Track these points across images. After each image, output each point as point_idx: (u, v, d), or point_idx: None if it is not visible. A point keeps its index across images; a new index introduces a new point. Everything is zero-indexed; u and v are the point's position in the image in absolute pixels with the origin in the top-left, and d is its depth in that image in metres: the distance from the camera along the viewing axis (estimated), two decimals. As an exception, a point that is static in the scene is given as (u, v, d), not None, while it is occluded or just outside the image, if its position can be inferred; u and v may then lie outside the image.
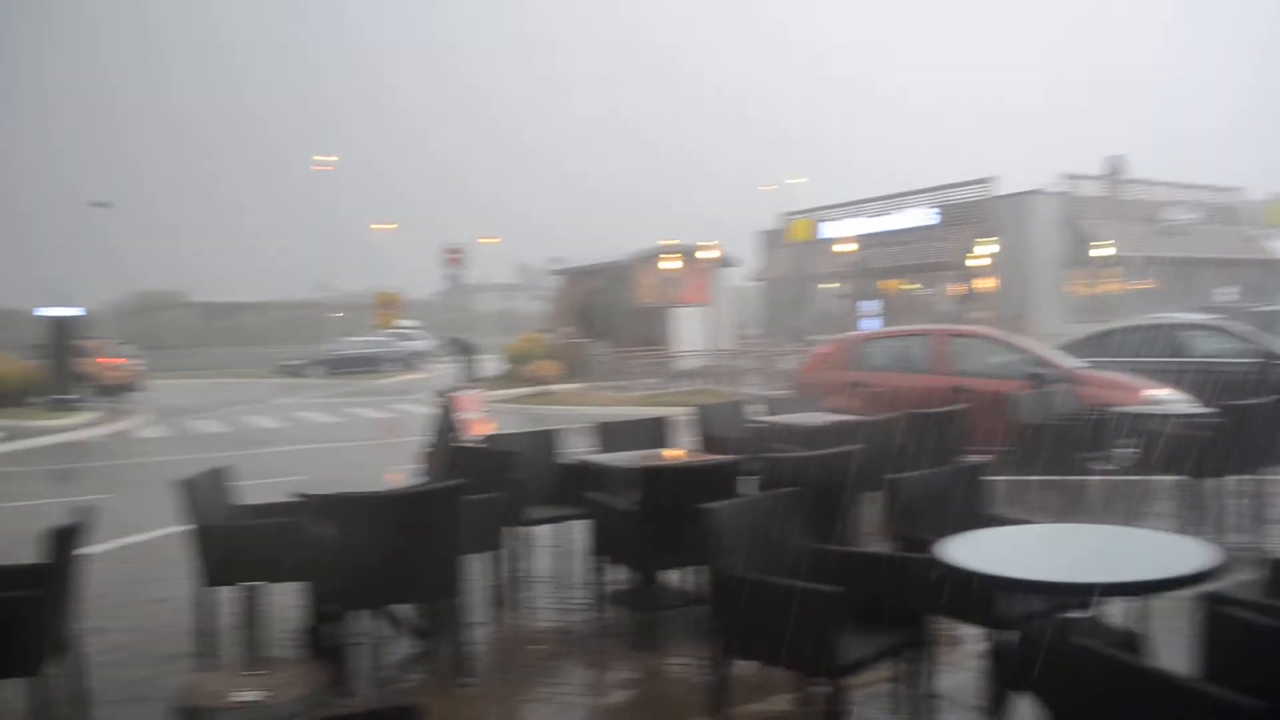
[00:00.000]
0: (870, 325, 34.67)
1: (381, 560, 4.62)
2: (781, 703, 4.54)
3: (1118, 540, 3.82)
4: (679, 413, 9.35)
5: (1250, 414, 7.98)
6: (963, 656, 4.97)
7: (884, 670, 4.65)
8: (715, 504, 3.97)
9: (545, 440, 7.17)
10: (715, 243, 27.98)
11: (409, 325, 42.73)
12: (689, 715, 4.48)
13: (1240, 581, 5.90)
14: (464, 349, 11.43)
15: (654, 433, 7.56)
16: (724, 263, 31.05)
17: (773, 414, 8.69)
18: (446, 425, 8.58)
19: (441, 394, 9.09)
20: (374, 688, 4.91)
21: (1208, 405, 8.14)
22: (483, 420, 9.02)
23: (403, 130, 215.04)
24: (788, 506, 4.28)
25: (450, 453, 7.38)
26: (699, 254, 27.59)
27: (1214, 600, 3.35)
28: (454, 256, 27.49)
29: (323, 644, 4.76)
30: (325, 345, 45.19)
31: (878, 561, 4.13)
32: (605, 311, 28.28)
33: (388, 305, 25.51)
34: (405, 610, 5.62)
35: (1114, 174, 43.03)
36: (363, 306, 47.95)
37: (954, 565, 3.45)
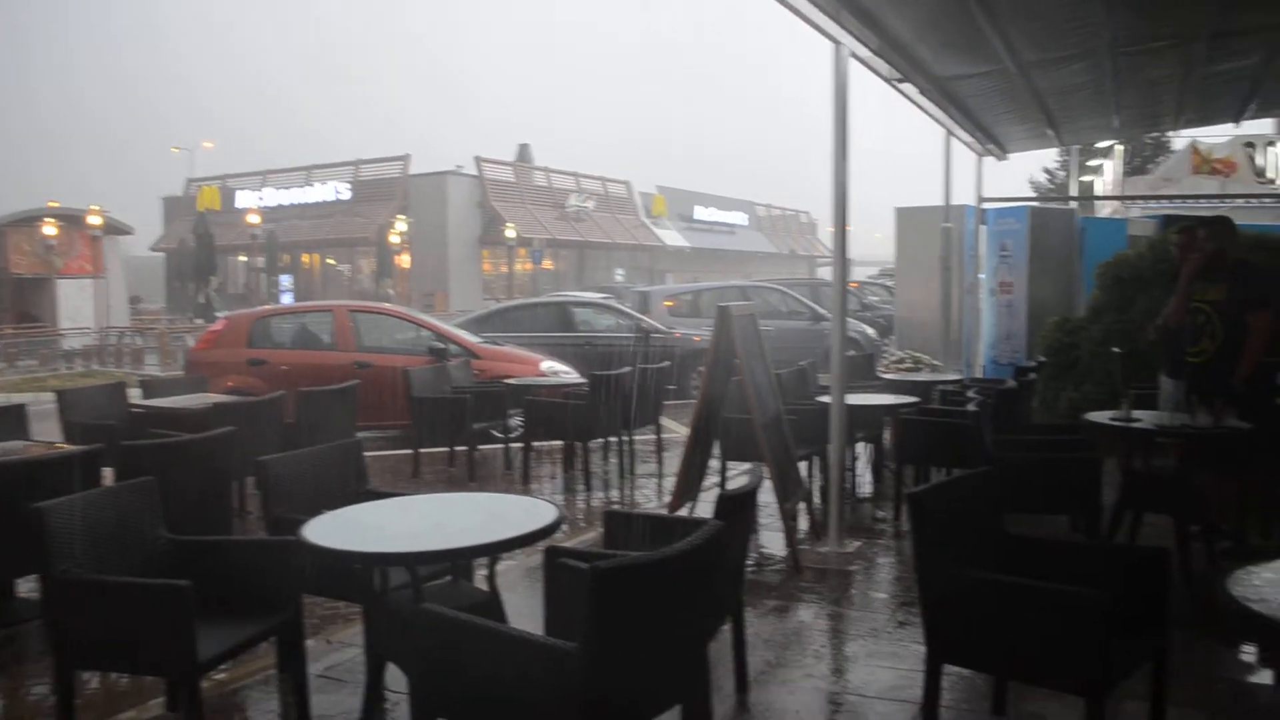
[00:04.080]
0: (287, 300, 33.79)
1: None
2: (157, 708, 4.20)
3: (470, 507, 4.01)
4: (49, 399, 8.30)
5: (618, 382, 8.93)
6: (347, 633, 5.00)
7: (268, 657, 4.54)
8: (49, 502, 3.52)
9: None
10: (102, 208, 25.27)
11: None
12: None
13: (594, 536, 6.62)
14: None
15: (9, 423, 6.58)
16: (118, 230, 28.23)
17: (153, 397, 8.01)
18: None
19: None
20: None
21: (591, 376, 9.00)
22: None
23: None
24: (143, 498, 3.93)
25: None
26: (88, 219, 24.79)
27: (553, 554, 3.66)
28: None
29: None
30: None
31: (238, 548, 3.94)
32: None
33: None
34: None
35: (522, 161, 46.02)
36: None
37: (314, 545, 3.39)
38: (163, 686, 4.21)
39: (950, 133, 10.40)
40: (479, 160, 42.35)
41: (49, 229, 24.86)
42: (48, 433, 7.49)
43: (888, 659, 4.55)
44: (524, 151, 48.01)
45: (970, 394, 7.95)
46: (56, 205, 27.78)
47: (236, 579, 3.79)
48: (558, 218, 44.34)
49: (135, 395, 8.27)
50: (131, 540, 3.81)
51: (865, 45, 6.74)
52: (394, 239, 38.68)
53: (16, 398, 11.86)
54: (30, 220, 26.64)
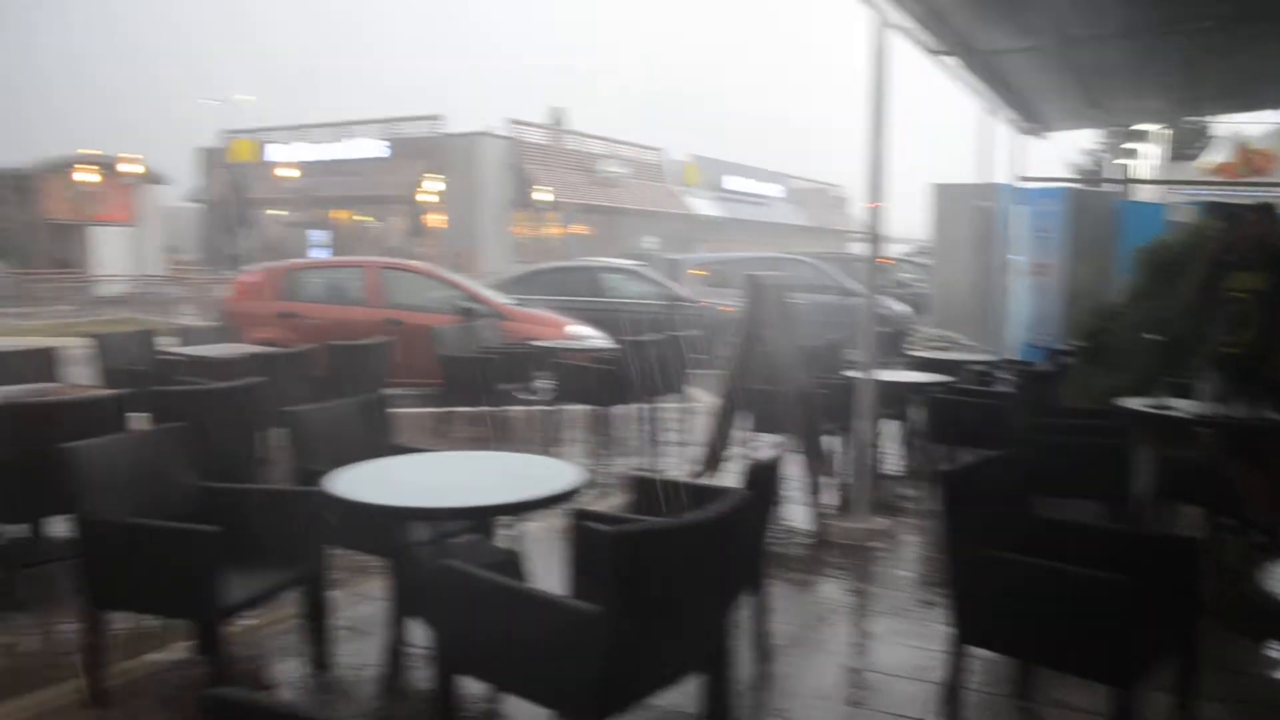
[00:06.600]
0: (321, 255, 33.85)
1: None
2: (180, 650, 4.24)
3: (496, 465, 4.00)
4: (79, 344, 8.36)
5: (646, 349, 8.90)
6: (371, 586, 5.02)
7: (291, 607, 4.56)
8: (79, 443, 3.53)
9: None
10: (139, 156, 25.36)
11: None
12: (67, 678, 4.01)
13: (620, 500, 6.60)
14: None
15: (38, 366, 6.63)
16: (153, 179, 28.36)
17: (187, 345, 8.05)
18: None
19: None
20: None
21: (619, 341, 8.96)
22: None
23: None
24: (173, 443, 3.95)
25: None
26: (121, 167, 24.89)
27: (578, 516, 3.65)
28: None
29: None
30: None
31: (265, 497, 3.96)
32: (2, 226, 24.59)
33: None
34: None
35: (556, 124, 45.71)
36: None
37: (340, 497, 3.39)
38: (188, 630, 4.24)
39: (991, 109, 10.23)
40: (512, 122, 42.11)
41: (82, 175, 24.96)
42: (82, 377, 7.55)
43: (911, 638, 4.52)
44: (556, 115, 47.71)
45: (1000, 374, 7.87)
46: (91, 152, 27.92)
47: (263, 528, 3.80)
48: (590, 183, 44.10)
49: (172, 343, 8.31)
50: (161, 484, 3.84)
51: (907, 14, 6.62)
52: (425, 198, 38.60)
53: (49, 341, 11.96)
54: (64, 167, 26.75)
